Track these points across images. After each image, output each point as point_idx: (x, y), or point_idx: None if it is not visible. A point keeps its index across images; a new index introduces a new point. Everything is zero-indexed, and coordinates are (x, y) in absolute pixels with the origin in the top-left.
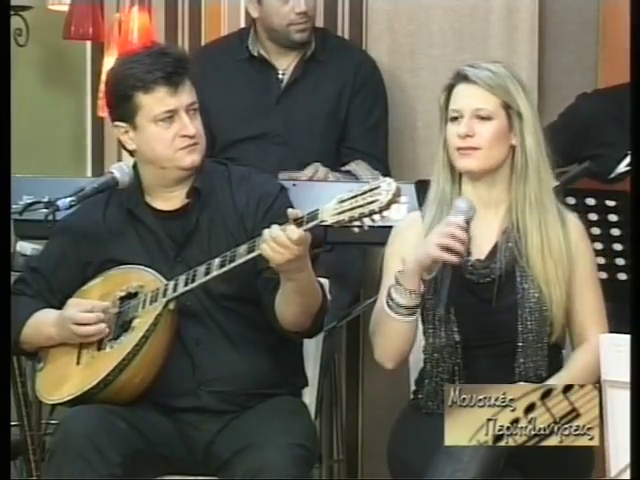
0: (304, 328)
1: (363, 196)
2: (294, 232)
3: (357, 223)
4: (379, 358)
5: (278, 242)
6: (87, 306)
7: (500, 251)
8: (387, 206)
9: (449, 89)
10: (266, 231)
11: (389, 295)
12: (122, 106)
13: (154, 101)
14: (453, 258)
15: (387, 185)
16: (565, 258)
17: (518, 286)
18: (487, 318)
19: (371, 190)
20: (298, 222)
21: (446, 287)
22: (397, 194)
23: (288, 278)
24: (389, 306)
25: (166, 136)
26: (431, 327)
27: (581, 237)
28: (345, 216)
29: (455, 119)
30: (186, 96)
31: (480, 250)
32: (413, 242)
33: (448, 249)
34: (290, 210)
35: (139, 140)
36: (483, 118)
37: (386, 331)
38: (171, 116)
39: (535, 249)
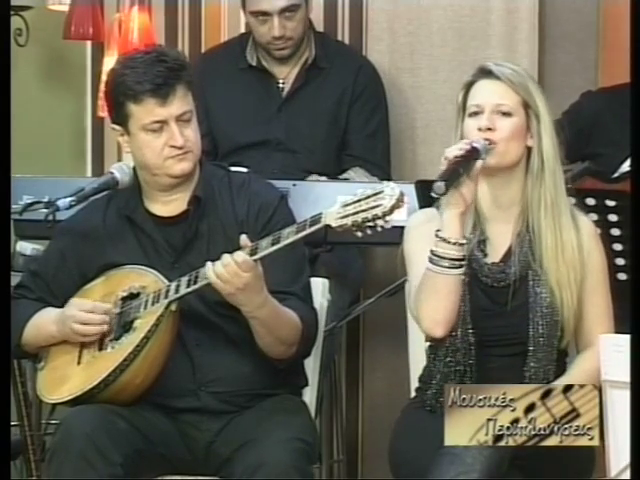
0: (287, 355)
1: (367, 200)
2: (239, 255)
3: (360, 227)
4: (428, 327)
5: (227, 268)
6: (89, 306)
7: (515, 255)
8: (390, 211)
9: (469, 86)
10: (218, 262)
11: (433, 254)
12: (116, 111)
13: (143, 111)
14: (464, 151)
15: (391, 190)
16: (578, 262)
17: (530, 290)
18: (499, 320)
19: (375, 194)
20: (252, 250)
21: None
22: (400, 199)
23: (249, 316)
24: (434, 263)
25: (155, 145)
26: None
27: (594, 241)
28: (348, 220)
29: (475, 114)
30: (177, 106)
31: (496, 253)
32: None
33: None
34: (243, 237)
35: (132, 145)
36: (504, 114)
37: (433, 293)
38: (160, 126)
39: (550, 252)
